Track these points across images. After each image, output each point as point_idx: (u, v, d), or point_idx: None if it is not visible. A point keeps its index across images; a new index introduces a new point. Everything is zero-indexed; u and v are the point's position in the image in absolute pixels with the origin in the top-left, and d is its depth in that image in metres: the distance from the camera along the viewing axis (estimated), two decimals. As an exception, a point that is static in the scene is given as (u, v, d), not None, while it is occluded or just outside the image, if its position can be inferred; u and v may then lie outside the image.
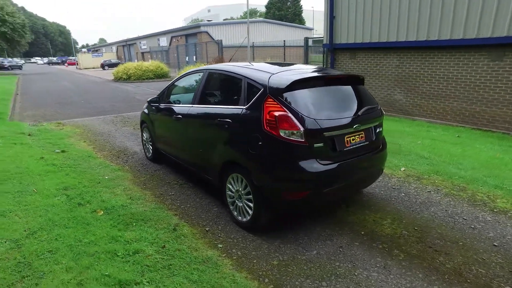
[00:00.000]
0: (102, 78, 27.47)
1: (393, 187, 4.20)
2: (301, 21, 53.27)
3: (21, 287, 2.17)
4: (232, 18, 61.04)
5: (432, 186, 4.17)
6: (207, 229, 3.22)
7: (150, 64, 24.29)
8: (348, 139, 3.00)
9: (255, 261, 2.72)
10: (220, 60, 14.08)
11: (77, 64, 47.99)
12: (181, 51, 30.69)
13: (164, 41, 36.13)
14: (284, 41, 14.59)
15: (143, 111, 5.30)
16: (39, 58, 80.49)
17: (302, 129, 2.73)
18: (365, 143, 3.17)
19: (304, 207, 3.16)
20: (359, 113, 3.07)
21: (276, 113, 2.78)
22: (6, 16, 33.20)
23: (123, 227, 3.08)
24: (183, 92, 4.47)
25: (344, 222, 3.33)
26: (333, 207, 3.64)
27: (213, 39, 28.17)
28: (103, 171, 4.74)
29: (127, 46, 47.50)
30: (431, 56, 8.58)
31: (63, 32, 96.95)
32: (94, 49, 64.78)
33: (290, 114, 2.76)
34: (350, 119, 3.00)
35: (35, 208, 3.28)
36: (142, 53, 41.29)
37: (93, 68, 44.40)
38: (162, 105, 4.58)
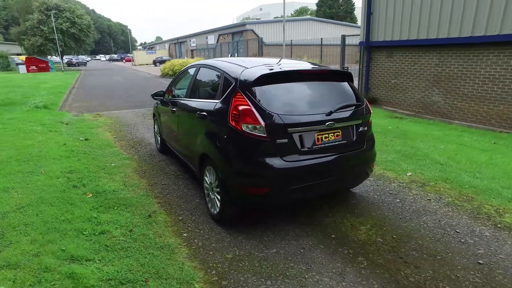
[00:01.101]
0: (151, 74, 29.20)
1: (390, 192, 3.91)
2: (352, 19, 51.32)
3: (-8, 253, 2.44)
4: (281, 16, 60.89)
5: (434, 194, 3.81)
6: (180, 218, 3.30)
7: (195, 60, 25.32)
8: (319, 136, 2.87)
9: (211, 252, 2.73)
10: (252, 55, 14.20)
11: (133, 60, 51.58)
12: (226, 48, 31.44)
13: (212, 39, 37.31)
14: (321, 39, 14.21)
15: (155, 104, 5.57)
16: (103, 55, 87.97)
17: (263, 124, 2.68)
18: (342, 142, 3.00)
19: (269, 204, 3.07)
20: (333, 110, 2.91)
21: (240, 107, 2.76)
22: (76, 18, 36.81)
23: (103, 210, 3.29)
24: (182, 86, 4.61)
25: (319, 223, 3.20)
26: (314, 207, 3.50)
27: (258, 37, 28.42)
28: (113, 159, 5.08)
29: (178, 44, 49.88)
30: (476, 54, 7.79)
31: (124, 31, 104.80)
32: (149, 47, 69.09)
33: (253, 109, 2.72)
34: (321, 116, 2.86)
35: (35, 187, 3.64)
36: (192, 50, 43.03)
37: (147, 64, 47.35)
38: (166, 99, 4.78)
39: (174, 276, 2.39)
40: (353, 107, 3.13)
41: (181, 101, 4.05)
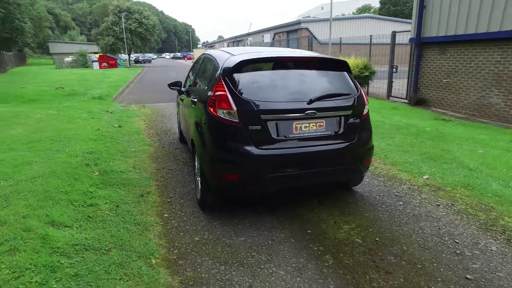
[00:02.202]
0: (207, 72, 30.51)
1: (396, 194, 3.58)
2: (419, 16, 47.53)
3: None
4: (343, 15, 59.04)
5: (446, 200, 3.39)
6: (169, 200, 3.42)
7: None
8: (298, 125, 2.74)
9: (182, 234, 2.79)
10: None
11: (193, 58, 54.29)
12: (282, 46, 31.47)
13: (267, 38, 37.63)
14: (370, 36, 13.42)
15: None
16: (168, 53, 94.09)
17: (235, 109, 2.65)
18: (326, 133, 2.83)
19: (243, 192, 2.98)
20: (313, 98, 2.75)
21: (217, 93, 2.76)
22: (143, 19, 39.96)
23: (102, 187, 3.55)
24: (192, 76, 4.74)
25: (300, 218, 3.06)
26: (304, 202, 3.35)
27: (313, 36, 27.93)
28: (135, 144, 5.44)
29: (236, 42, 51.23)
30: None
31: (189, 31, 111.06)
32: (209, 45, 72.09)
33: (228, 94, 2.71)
34: (301, 105, 2.73)
35: (53, 163, 4.07)
36: (248, 49, 43.85)
37: (206, 63, 49.39)
38: (183, 88, 4.96)
39: (136, 250, 2.49)
40: (341, 97, 2.92)
41: (188, 90, 4.19)
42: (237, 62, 2.79)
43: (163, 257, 2.46)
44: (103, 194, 3.36)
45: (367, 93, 12.88)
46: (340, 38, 15.31)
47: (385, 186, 3.80)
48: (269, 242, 2.68)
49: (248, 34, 44.78)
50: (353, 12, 64.83)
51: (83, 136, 5.50)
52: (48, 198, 3.06)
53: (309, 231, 2.83)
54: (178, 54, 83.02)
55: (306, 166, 2.82)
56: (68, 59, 34.32)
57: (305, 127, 2.76)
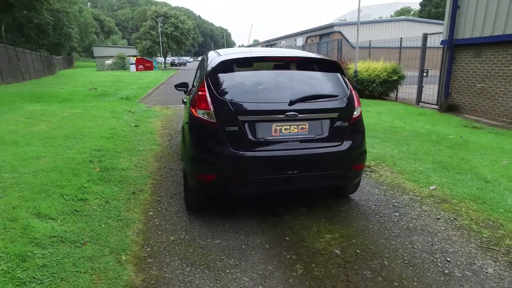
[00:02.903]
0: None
1: (395, 204, 3.34)
2: (463, 18, 44.76)
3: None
4: (380, 17, 57.17)
5: (449, 213, 3.10)
6: (159, 199, 3.45)
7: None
8: (278, 127, 2.64)
9: (160, 232, 2.79)
10: (339, 60, 13.63)
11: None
12: (313, 50, 31.09)
13: (300, 41, 37.35)
14: (400, 39, 12.81)
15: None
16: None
17: (212, 109, 2.61)
18: (308, 136, 2.70)
19: (220, 193, 2.89)
20: (294, 100, 2.64)
21: (199, 93, 2.75)
22: (179, 23, 41.41)
23: (98, 182, 3.66)
24: (194, 76, 4.77)
25: (283, 223, 2.94)
26: (291, 207, 3.23)
27: (346, 39, 27.33)
28: (144, 143, 5.59)
29: (269, 46, 51.43)
30: None
31: (225, 35, 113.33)
32: (244, 50, 72.92)
33: (207, 94, 2.69)
34: (282, 106, 2.63)
35: (60, 158, 4.27)
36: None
37: (238, 66, 50.09)
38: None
39: (110, 245, 2.53)
40: (327, 99, 2.78)
41: (188, 91, 4.23)
42: (218, 62, 2.77)
43: (135, 254, 2.48)
44: (97, 190, 3.46)
45: (396, 98, 12.31)
46: (370, 41, 14.80)
47: (385, 195, 3.57)
48: (243, 246, 2.60)
49: (281, 38, 44.75)
50: (391, 15, 62.52)
51: (97, 134, 5.75)
52: (42, 191, 3.21)
53: (287, 238, 2.71)
54: None
55: (286, 170, 2.71)
56: (109, 61, 36.40)
57: (286, 129, 2.66)
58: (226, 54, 3.05)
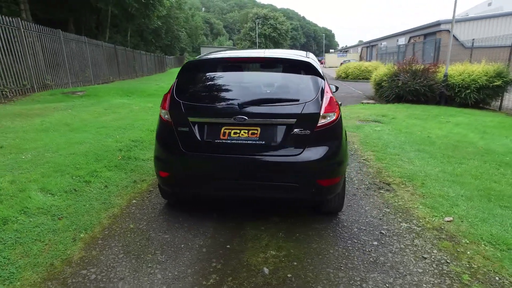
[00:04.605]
0: (330, 75, 30.09)
1: (383, 231, 2.83)
2: None
3: None
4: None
5: (443, 255, 2.47)
6: (151, 189, 3.71)
7: (370, 64, 24.08)
8: (227, 131, 2.55)
9: (127, 219, 3.01)
10: (434, 62, 12.01)
11: (323, 62, 54.10)
12: (417, 51, 27.87)
13: (402, 41, 33.99)
14: (514, 35, 10.35)
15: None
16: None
17: (167, 109, 2.69)
18: (259, 142, 2.52)
19: (178, 192, 2.95)
20: (242, 103, 2.49)
21: (166, 93, 2.86)
22: (277, 24, 42.52)
23: (112, 169, 4.14)
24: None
25: (238, 231, 2.82)
26: (262, 216, 3.06)
27: (456, 38, 23.69)
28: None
29: (370, 47, 48.21)
30: None
31: (328, 35, 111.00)
32: (344, 50, 70.19)
33: (169, 95, 2.77)
34: (231, 109, 2.52)
35: (98, 144, 4.95)
36: (382, 54, 40.72)
37: (336, 67, 48.58)
38: None
39: (78, 223, 2.87)
40: (284, 103, 2.53)
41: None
42: (185, 63, 2.82)
43: (93, 234, 2.76)
44: (106, 175, 3.93)
45: (500, 107, 10.10)
46: (473, 40, 12.49)
47: (380, 219, 3.06)
48: (182, 245, 2.62)
49: (382, 39, 41.47)
50: (534, 6, 50.91)
51: (145, 126, 6.44)
52: (60, 170, 3.83)
53: (228, 246, 2.60)
54: None
55: (235, 176, 2.60)
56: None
57: (235, 133, 2.54)
58: (205, 54, 3.09)
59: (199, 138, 2.60)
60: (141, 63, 24.69)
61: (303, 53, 3.12)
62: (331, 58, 52.69)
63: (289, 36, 45.96)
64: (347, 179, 4.08)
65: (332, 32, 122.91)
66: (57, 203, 3.16)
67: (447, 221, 2.97)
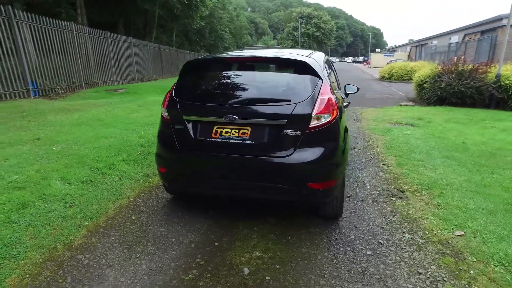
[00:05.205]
0: (373, 76, 28.98)
1: (381, 241, 2.67)
2: None
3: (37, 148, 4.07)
4: None
5: (441, 271, 2.27)
6: (161, 184, 3.86)
7: (416, 64, 22.67)
8: (219, 130, 2.58)
9: (131, 211, 3.17)
10: (459, 59, 11.03)
11: (369, 62, 51.96)
12: (469, 49, 25.69)
13: (455, 40, 31.50)
14: None
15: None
16: (350, 57, 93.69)
17: (166, 107, 2.78)
18: (249, 142, 2.51)
19: (172, 187, 3.05)
20: (231, 102, 2.50)
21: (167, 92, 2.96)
22: (321, 24, 41.70)
23: (129, 163, 4.37)
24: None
25: (230, 229, 2.84)
26: (259, 216, 3.05)
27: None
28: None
29: (419, 46, 45.33)
30: None
31: (376, 34, 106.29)
32: (392, 50, 66.74)
33: (169, 94, 2.87)
34: (222, 108, 2.54)
35: (122, 139, 5.22)
36: (431, 53, 38.11)
37: (382, 67, 46.45)
38: None
39: (86, 212, 3.08)
40: (275, 103, 2.49)
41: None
42: (185, 63, 2.90)
43: (97, 223, 2.95)
44: (122, 168, 4.17)
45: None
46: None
47: (382, 228, 2.89)
48: (173, 240, 2.70)
49: (433, 37, 38.77)
50: None
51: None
52: (81, 162, 4.12)
53: (216, 244, 2.63)
54: (359, 59, 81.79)
55: (226, 174, 2.62)
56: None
57: (226, 132, 2.56)
58: (208, 55, 3.15)
59: (192, 136, 2.66)
60: (185, 61, 25.66)
61: (306, 52, 3.05)
62: (377, 58, 50.40)
63: (333, 36, 44.81)
64: (358, 183, 3.92)
65: (381, 31, 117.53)
66: (72, 192, 3.42)
67: (457, 235, 2.72)
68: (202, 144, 2.63)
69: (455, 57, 11.59)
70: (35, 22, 9.42)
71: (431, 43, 39.05)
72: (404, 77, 21.86)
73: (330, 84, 2.86)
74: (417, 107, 9.98)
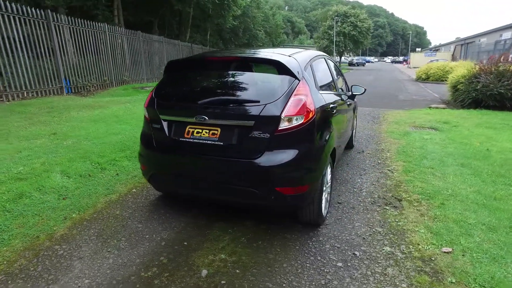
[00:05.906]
0: (410, 76, 27.59)
1: (357, 253, 2.51)
2: None
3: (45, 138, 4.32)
4: None
5: (410, 291, 2.09)
6: (156, 181, 3.96)
7: (456, 64, 21.17)
8: (190, 130, 2.57)
9: (118, 206, 3.27)
10: (500, 58, 10.08)
11: (408, 62, 49.45)
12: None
13: (508, 36, 28.96)
14: None
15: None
16: (390, 57, 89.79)
17: (147, 106, 2.83)
18: (217, 143, 2.48)
19: (154, 186, 3.07)
20: (205, 103, 2.48)
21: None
22: (358, 22, 40.36)
23: (132, 159, 4.49)
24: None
25: (205, 229, 2.83)
26: (239, 220, 3.01)
27: None
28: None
29: (465, 45, 42.27)
30: None
31: (419, 33, 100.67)
32: (435, 49, 62.85)
33: (151, 93, 2.91)
34: (194, 108, 2.54)
35: (130, 136, 5.38)
36: (477, 52, 35.38)
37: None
38: None
39: (77, 204, 3.23)
40: (244, 104, 2.42)
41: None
42: (169, 62, 2.93)
43: (83, 216, 3.08)
44: (122, 164, 4.32)
45: None
46: None
47: (363, 239, 2.72)
48: (147, 236, 2.74)
49: (481, 35, 35.92)
50: None
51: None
52: (84, 157, 4.32)
53: (185, 243, 2.63)
54: (399, 58, 78.19)
55: (194, 175, 2.62)
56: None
57: (197, 132, 2.54)
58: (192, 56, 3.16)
59: (167, 135, 2.69)
60: (216, 61, 26.10)
61: (290, 51, 2.94)
62: (417, 58, 47.75)
63: (371, 34, 43.13)
64: (355, 189, 3.74)
65: (424, 29, 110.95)
66: (69, 185, 3.60)
67: (444, 252, 2.49)
68: (176, 144, 2.64)
69: (496, 56, 10.63)
70: (71, 24, 10.08)
71: (479, 41, 36.29)
72: (442, 78, 20.51)
73: (313, 85, 2.75)
74: (447, 110, 9.31)
